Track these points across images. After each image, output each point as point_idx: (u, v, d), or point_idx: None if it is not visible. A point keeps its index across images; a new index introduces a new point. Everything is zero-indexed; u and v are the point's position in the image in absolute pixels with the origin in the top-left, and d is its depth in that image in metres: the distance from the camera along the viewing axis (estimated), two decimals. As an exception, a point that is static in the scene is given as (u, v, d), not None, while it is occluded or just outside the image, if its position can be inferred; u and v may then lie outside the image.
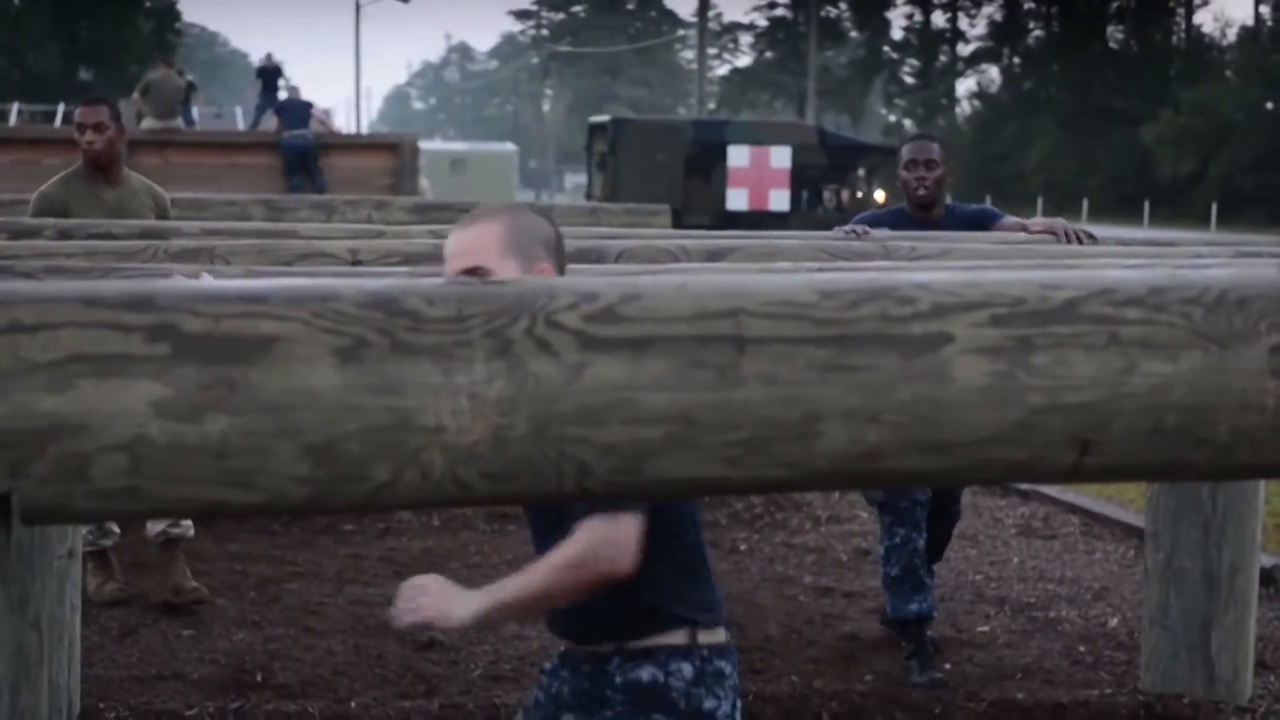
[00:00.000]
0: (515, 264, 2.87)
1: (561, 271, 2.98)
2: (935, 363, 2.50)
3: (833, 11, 66.59)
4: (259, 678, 5.73)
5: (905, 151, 6.56)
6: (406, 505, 2.42)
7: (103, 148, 6.54)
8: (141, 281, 2.50)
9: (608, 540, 3.00)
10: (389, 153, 18.00)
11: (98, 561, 6.69)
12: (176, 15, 61.29)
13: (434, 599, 3.13)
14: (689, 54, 76.92)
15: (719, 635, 3.21)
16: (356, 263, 4.78)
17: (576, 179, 67.58)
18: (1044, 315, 2.55)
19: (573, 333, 2.39)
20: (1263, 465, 2.65)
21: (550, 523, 3.19)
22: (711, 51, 68.08)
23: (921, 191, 6.39)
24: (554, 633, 3.38)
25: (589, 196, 33.94)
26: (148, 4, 56.34)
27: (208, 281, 2.64)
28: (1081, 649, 6.18)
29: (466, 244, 2.89)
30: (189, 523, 6.42)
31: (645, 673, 3.12)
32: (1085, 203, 48.59)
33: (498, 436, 2.36)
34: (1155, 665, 5.38)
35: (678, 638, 3.15)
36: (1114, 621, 6.58)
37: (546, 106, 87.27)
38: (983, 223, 6.26)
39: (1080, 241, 5.56)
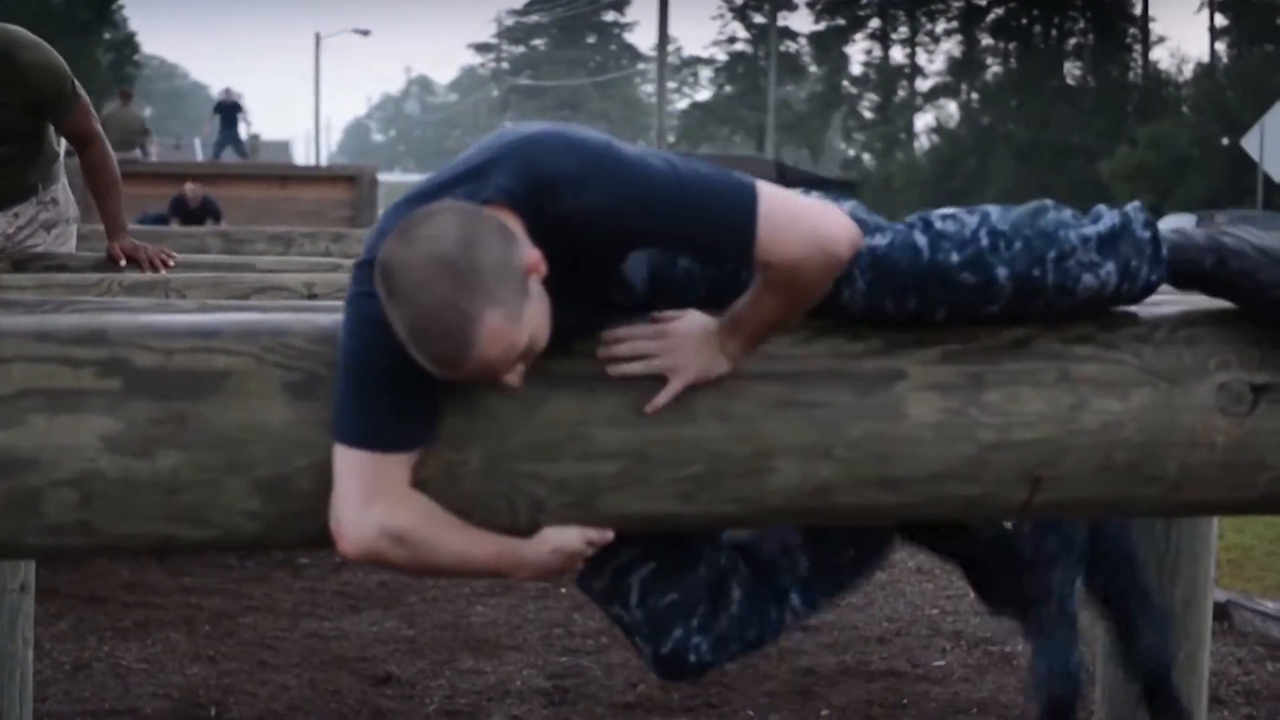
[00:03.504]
0: (525, 307, 2.22)
1: (507, 233, 2.23)
2: (888, 399, 2.51)
3: (792, 46, 66.85)
4: (213, 712, 5.70)
5: None
6: (359, 540, 2.41)
7: None
8: (93, 315, 2.49)
9: (800, 244, 2.31)
10: (348, 184, 17.93)
11: None
12: (135, 47, 61.12)
13: (686, 356, 2.43)
14: (649, 88, 77.14)
15: None
16: (312, 296, 4.77)
17: (536, 212, 67.26)
18: (995, 352, 2.56)
19: (527, 368, 2.39)
20: (1211, 502, 2.67)
21: None
22: (671, 85, 68.27)
23: None
24: None
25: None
26: (107, 36, 56.21)
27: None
28: (1037, 683, 6.19)
29: (491, 357, 2.20)
30: None
31: None
32: (1043, 238, 48.42)
33: (450, 472, 2.36)
34: (1110, 701, 5.38)
35: None
36: (1069, 656, 6.58)
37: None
38: None
39: None
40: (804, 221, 2.31)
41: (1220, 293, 2.66)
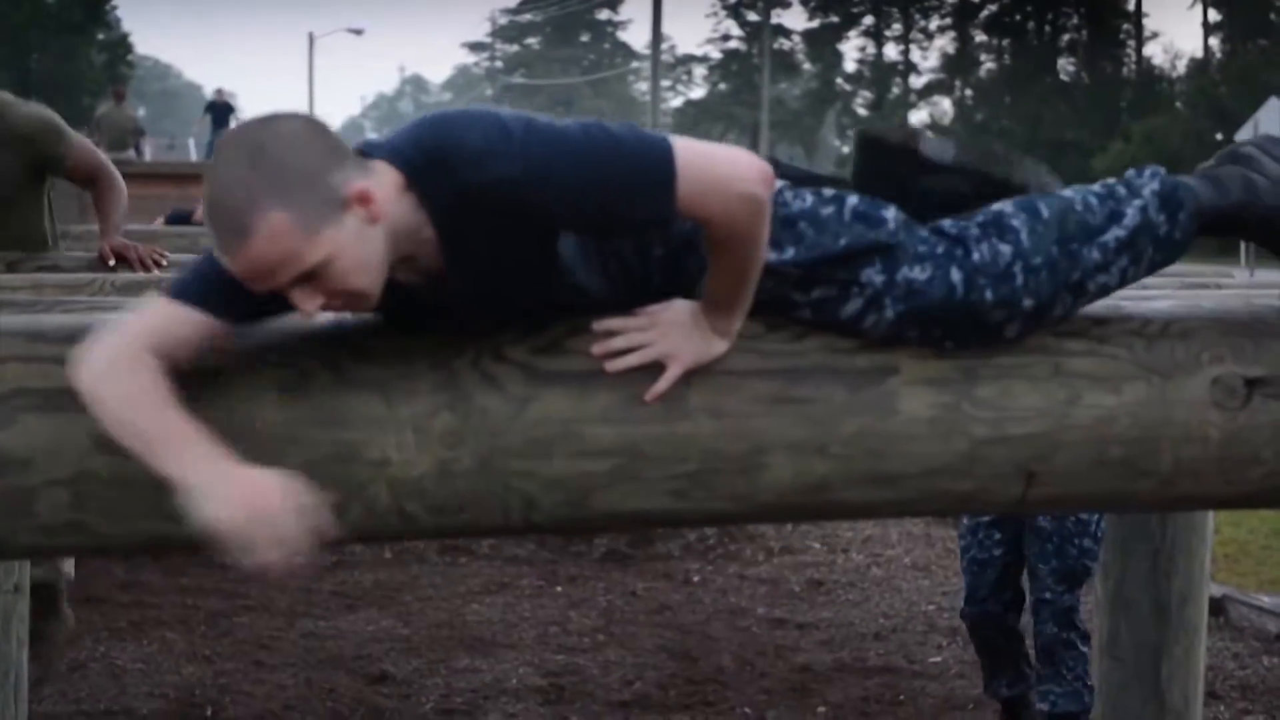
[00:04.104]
0: (328, 229, 2.16)
1: (359, 158, 2.25)
2: (881, 395, 2.51)
3: (786, 44, 66.84)
4: (209, 712, 5.70)
5: None
6: (352, 539, 2.41)
7: None
8: (85, 315, 2.49)
9: (718, 171, 2.28)
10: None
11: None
12: (129, 48, 61.13)
13: (679, 341, 2.41)
14: (643, 86, 77.01)
15: None
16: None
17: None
18: (988, 346, 2.56)
19: (519, 365, 2.38)
20: (1206, 496, 2.67)
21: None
22: (665, 83, 68.22)
23: None
24: None
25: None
26: (100, 36, 56.20)
27: None
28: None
29: (261, 257, 2.14)
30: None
31: None
32: (1037, 234, 48.43)
33: (443, 470, 2.35)
34: (1106, 695, 5.38)
35: None
36: (1065, 651, 6.59)
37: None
38: None
39: None
40: (719, 172, 2.28)
41: (1252, 237, 2.75)
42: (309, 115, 2.23)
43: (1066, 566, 5.13)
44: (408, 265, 2.31)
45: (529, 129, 2.22)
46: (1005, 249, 2.52)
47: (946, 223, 2.58)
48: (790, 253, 2.50)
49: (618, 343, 2.40)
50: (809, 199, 2.54)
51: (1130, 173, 2.69)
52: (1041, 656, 5.21)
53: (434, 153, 2.22)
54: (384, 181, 2.23)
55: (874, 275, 2.50)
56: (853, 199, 2.55)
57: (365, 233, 2.19)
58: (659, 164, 2.25)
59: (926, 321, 2.51)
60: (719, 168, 2.28)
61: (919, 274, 2.51)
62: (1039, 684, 5.23)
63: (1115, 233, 2.58)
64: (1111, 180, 2.68)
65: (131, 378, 2.20)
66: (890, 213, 2.55)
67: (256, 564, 2.12)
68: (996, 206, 2.59)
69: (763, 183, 2.30)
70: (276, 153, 2.15)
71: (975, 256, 2.52)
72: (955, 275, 2.51)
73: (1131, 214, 2.60)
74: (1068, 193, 2.63)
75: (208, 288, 2.27)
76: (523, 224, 2.28)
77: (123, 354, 2.22)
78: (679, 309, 2.43)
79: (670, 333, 2.41)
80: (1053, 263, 2.53)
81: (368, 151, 2.28)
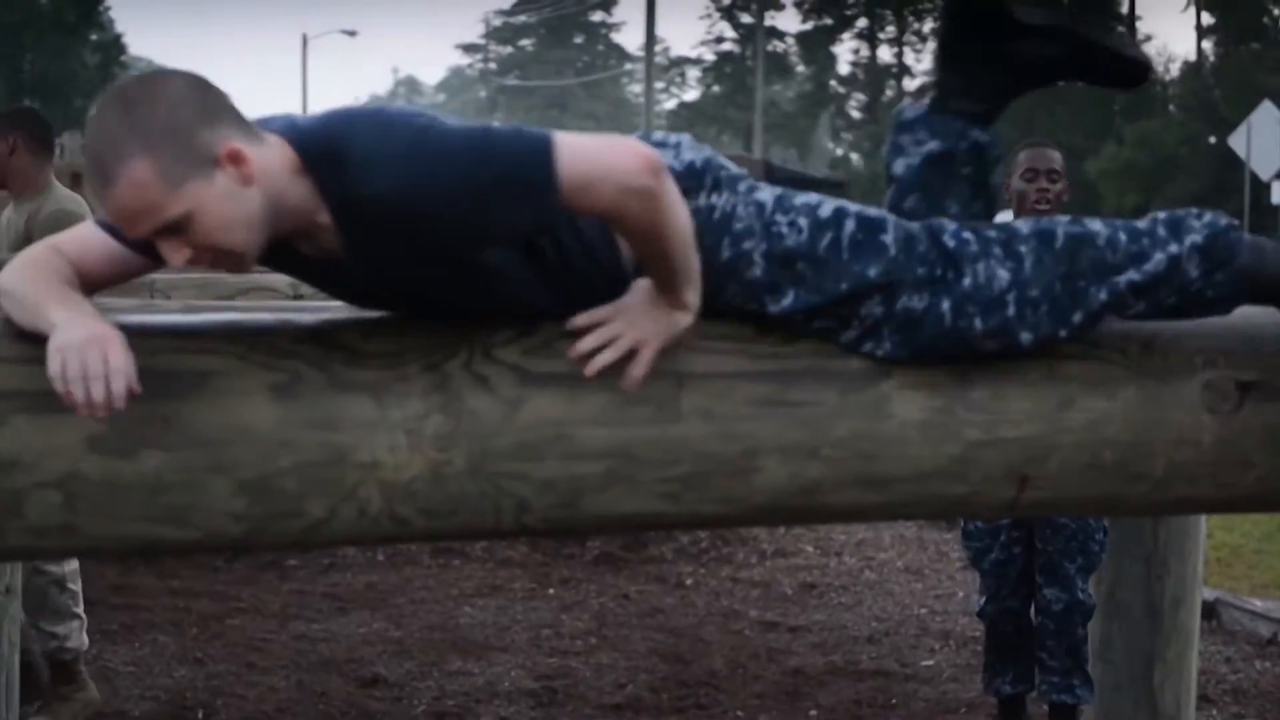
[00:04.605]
0: (194, 182, 2.19)
1: (243, 124, 2.28)
2: (874, 398, 2.50)
3: (780, 46, 66.84)
4: (201, 714, 5.69)
5: (1023, 158, 5.41)
6: (343, 542, 2.41)
7: None
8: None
9: (599, 165, 2.27)
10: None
11: (63, 675, 5.57)
12: (122, 48, 61.02)
13: (646, 326, 2.39)
14: (637, 88, 77.06)
15: None
16: (298, 296, 4.76)
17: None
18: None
19: (510, 367, 2.38)
20: (1199, 500, 2.67)
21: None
22: (659, 85, 68.24)
23: (1043, 206, 5.32)
24: None
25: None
26: (93, 37, 56.13)
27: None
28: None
29: (125, 204, 2.19)
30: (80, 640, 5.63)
31: None
32: (1031, 237, 48.43)
33: (435, 473, 2.35)
34: (1099, 699, 5.38)
35: None
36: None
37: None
38: None
39: None
40: (602, 166, 2.26)
41: None
42: (197, 75, 2.26)
43: (1090, 562, 5.16)
44: (310, 242, 2.34)
45: (413, 140, 2.22)
46: (1003, 275, 2.48)
47: (949, 230, 2.53)
48: (789, 298, 2.48)
49: (588, 343, 2.39)
50: (804, 228, 2.49)
51: (1188, 213, 2.60)
52: (1068, 653, 5.25)
53: (328, 150, 2.24)
54: (272, 154, 2.25)
55: (874, 307, 2.49)
56: (850, 224, 2.50)
57: (236, 192, 2.22)
58: (538, 164, 2.23)
59: (919, 349, 2.50)
60: (601, 161, 2.27)
61: (916, 303, 2.49)
62: (1060, 677, 5.27)
63: (1130, 275, 2.52)
64: (1164, 215, 2.59)
65: (33, 264, 2.34)
66: (889, 233, 2.51)
67: (68, 393, 2.14)
68: (1012, 224, 2.53)
69: (649, 171, 2.27)
70: (149, 106, 2.19)
71: (966, 281, 2.49)
72: (944, 305, 2.49)
73: (1158, 259, 2.53)
74: (1097, 225, 2.55)
75: None
76: (417, 233, 2.27)
77: (35, 252, 2.38)
78: (639, 291, 2.41)
79: (637, 319, 2.39)
80: (1054, 298, 2.49)
81: (266, 124, 2.31)
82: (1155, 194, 43.86)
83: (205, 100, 2.23)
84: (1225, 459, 2.59)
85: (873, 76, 66.78)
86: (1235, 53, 52.74)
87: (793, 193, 2.54)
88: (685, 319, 2.41)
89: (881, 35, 66.53)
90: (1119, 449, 2.56)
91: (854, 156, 66.37)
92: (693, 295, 2.40)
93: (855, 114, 68.45)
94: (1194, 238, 2.55)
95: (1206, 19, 56.38)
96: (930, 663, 6.50)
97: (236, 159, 2.20)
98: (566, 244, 2.43)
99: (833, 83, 68.47)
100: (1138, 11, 61.34)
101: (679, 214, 2.33)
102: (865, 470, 2.50)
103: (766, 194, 2.52)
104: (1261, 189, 27.17)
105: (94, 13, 55.32)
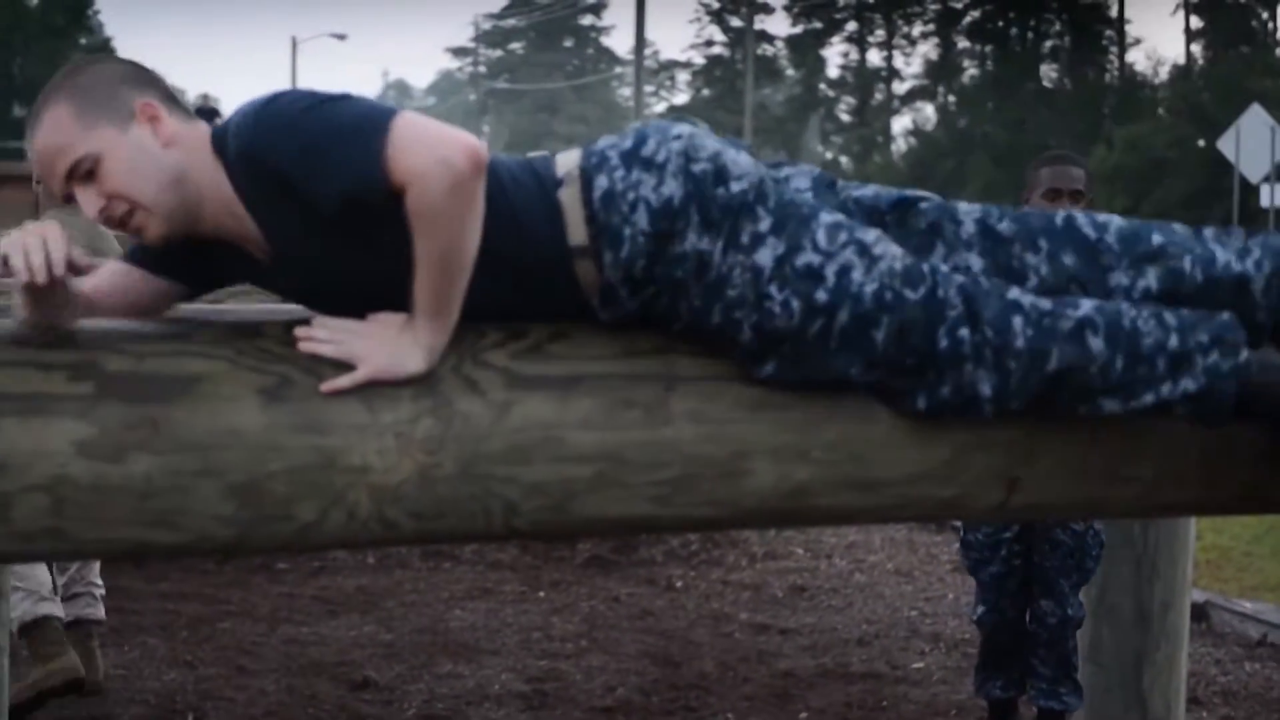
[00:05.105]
0: (107, 128, 2.38)
1: (171, 100, 2.47)
2: (863, 401, 2.50)
3: (769, 50, 66.88)
4: (190, 718, 5.68)
5: (1045, 175, 5.10)
6: (333, 545, 2.40)
7: None
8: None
9: (432, 131, 2.32)
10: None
11: (38, 636, 5.56)
12: (112, 52, 61.11)
13: (373, 345, 2.38)
14: (626, 91, 77.03)
15: None
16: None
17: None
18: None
19: (500, 370, 2.38)
20: (1188, 502, 2.67)
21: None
22: (649, 89, 68.25)
23: None
24: None
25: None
26: (83, 41, 56.11)
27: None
28: (1016, 685, 6.20)
29: (43, 145, 2.40)
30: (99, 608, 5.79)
31: None
32: (1020, 240, 48.43)
33: (424, 476, 2.34)
34: (1089, 701, 5.38)
35: None
36: (1048, 657, 6.59)
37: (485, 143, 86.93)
38: None
39: None
40: (428, 137, 2.30)
41: None
42: (139, 63, 2.48)
43: (1084, 579, 5.17)
44: (249, 242, 2.45)
45: (270, 100, 2.38)
46: (986, 387, 2.46)
47: (950, 319, 2.46)
48: (771, 368, 2.46)
49: (320, 333, 2.37)
50: (795, 312, 2.43)
51: (1198, 345, 2.48)
52: (1058, 663, 5.27)
53: (223, 128, 2.42)
54: (194, 132, 2.44)
55: (855, 377, 2.49)
56: (844, 314, 2.43)
57: (150, 148, 2.40)
58: (374, 122, 2.31)
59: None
60: (429, 134, 2.31)
61: (896, 384, 2.48)
62: (1049, 685, 5.29)
63: (1112, 405, 2.48)
64: (1174, 342, 2.47)
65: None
66: (882, 329, 2.44)
67: (4, 259, 2.28)
68: (1012, 324, 2.45)
69: (468, 157, 2.29)
70: (86, 71, 2.43)
71: (945, 390, 2.48)
72: (921, 403, 2.48)
73: (1145, 400, 2.48)
74: (1098, 343, 2.46)
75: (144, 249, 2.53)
76: (283, 190, 2.35)
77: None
78: (390, 319, 2.38)
79: (370, 338, 2.36)
80: (1033, 400, 2.48)
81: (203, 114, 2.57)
82: (1144, 197, 43.92)
83: (136, 71, 2.47)
84: (1215, 462, 2.60)
85: (862, 80, 66.83)
86: (1224, 56, 52.86)
87: (801, 243, 2.45)
88: (415, 365, 2.35)
89: (871, 39, 66.57)
90: (1108, 451, 2.56)
91: (843, 160, 66.39)
92: (440, 340, 2.37)
93: (845, 117, 68.50)
94: (1188, 384, 2.47)
95: (1196, 23, 56.51)
96: (920, 665, 6.50)
97: (153, 116, 2.40)
98: (496, 231, 2.41)
99: (822, 86, 68.51)
100: (1127, 15, 61.46)
101: (471, 222, 2.33)
102: (855, 473, 2.50)
103: (767, 254, 2.44)
104: (1250, 192, 27.21)
105: (83, 16, 55.31)
